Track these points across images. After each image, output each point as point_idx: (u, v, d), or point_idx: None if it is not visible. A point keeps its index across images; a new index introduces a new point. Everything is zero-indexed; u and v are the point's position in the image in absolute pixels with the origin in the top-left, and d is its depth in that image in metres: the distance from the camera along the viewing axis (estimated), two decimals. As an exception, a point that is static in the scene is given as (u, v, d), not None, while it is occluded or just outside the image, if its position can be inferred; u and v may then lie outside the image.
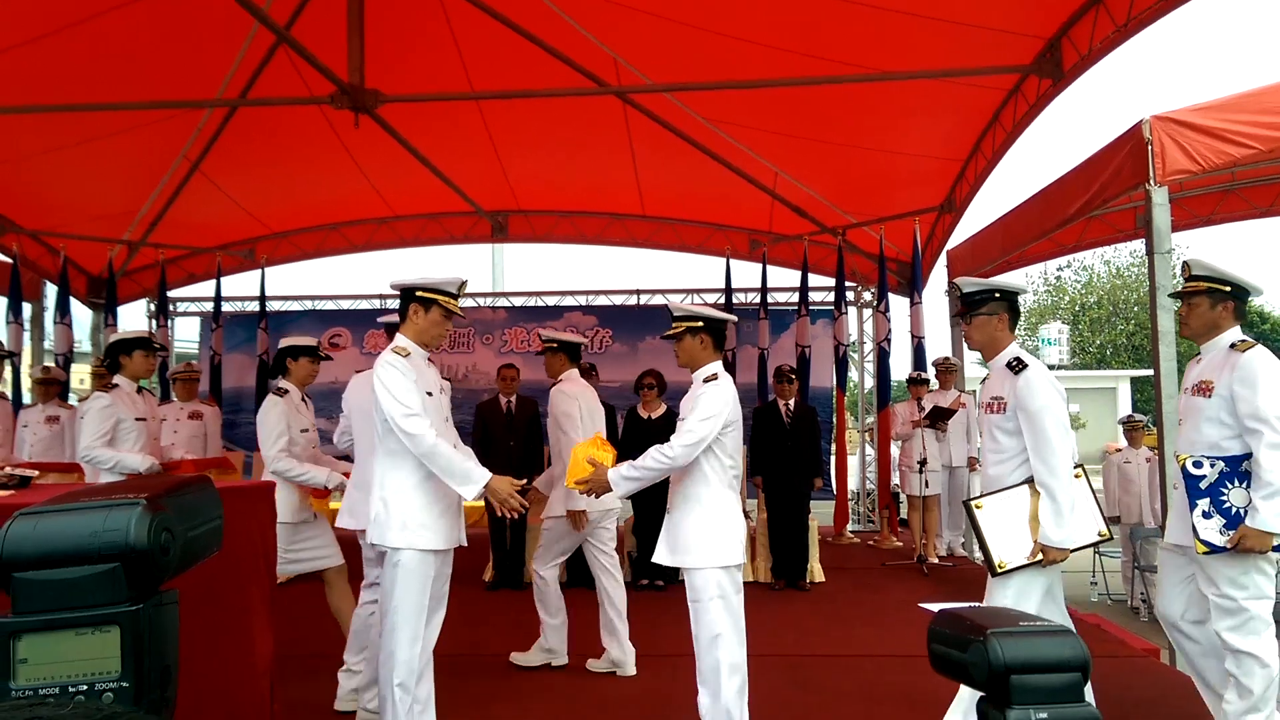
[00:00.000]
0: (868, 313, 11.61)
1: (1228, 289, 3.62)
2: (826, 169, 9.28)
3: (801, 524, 7.48)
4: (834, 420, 10.97)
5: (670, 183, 10.25)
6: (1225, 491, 3.52)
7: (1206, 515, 3.51)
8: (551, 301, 11.99)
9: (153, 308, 11.88)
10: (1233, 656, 3.50)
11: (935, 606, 1.20)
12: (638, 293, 11.97)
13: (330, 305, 12.13)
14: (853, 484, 11.58)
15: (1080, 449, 3.80)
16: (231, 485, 3.83)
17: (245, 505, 3.63)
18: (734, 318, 4.26)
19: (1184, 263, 3.78)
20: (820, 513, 8.26)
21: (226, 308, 11.68)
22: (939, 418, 8.70)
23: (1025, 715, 0.98)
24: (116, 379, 5.10)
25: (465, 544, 3.73)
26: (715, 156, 8.81)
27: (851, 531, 10.45)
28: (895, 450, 10.19)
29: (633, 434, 7.51)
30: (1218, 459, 3.53)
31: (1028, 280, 33.98)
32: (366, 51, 6.25)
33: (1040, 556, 3.38)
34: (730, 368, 10.67)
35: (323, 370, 5.18)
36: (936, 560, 8.76)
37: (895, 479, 10.44)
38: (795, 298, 10.91)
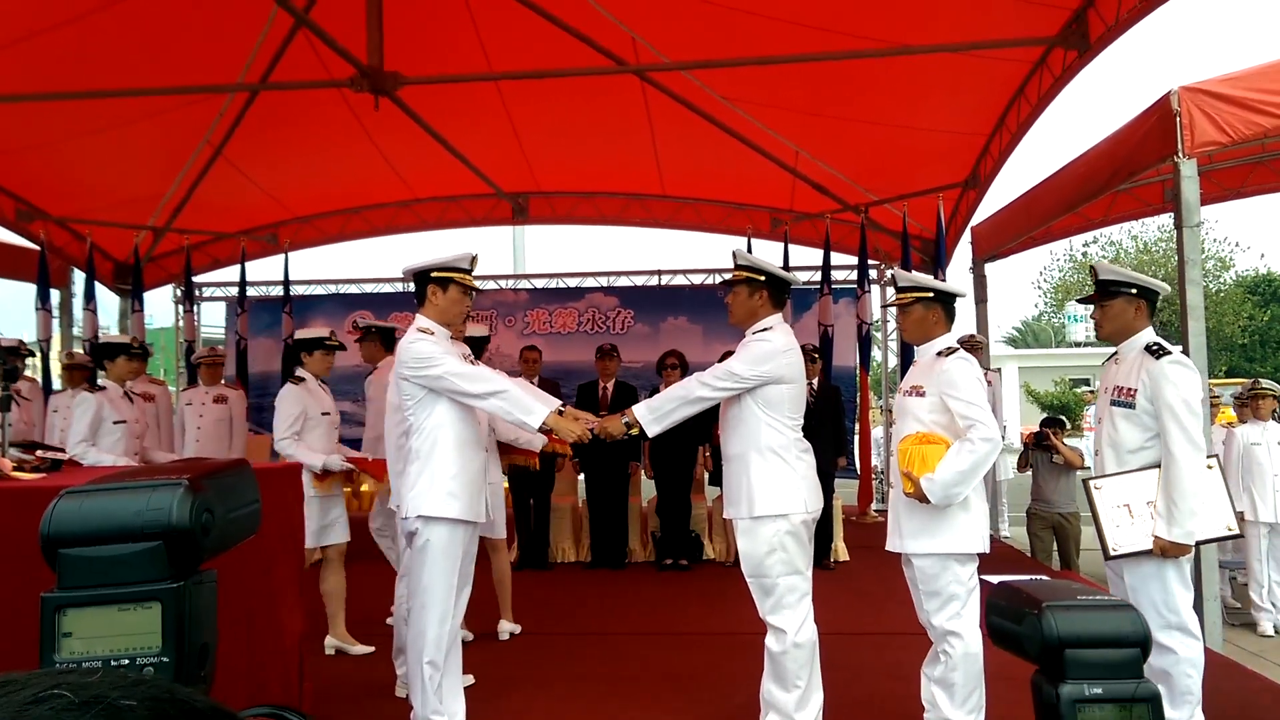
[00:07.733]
0: (891, 291, 11.52)
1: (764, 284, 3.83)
2: (848, 146, 9.20)
3: (825, 503, 7.45)
4: (857, 399, 10.93)
5: (690, 162, 10.20)
6: None
7: None
8: (573, 283, 11.97)
9: (179, 293, 11.99)
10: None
11: (995, 579, 1.18)
12: (659, 273, 11.93)
13: (354, 289, 12.19)
14: (876, 463, 11.54)
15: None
16: (257, 466, 3.88)
17: (273, 486, 3.68)
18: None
19: (727, 260, 3.91)
20: (844, 492, 8.25)
21: (251, 292, 11.76)
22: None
23: (1079, 690, 0.94)
24: (300, 372, 5.14)
25: (491, 519, 3.77)
26: (735, 135, 8.75)
27: (876, 510, 10.43)
28: (919, 429, 10.13)
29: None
30: None
31: (1053, 258, 33.68)
32: (385, 33, 6.25)
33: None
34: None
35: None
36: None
37: (919, 457, 10.39)
38: (817, 276, 10.85)
